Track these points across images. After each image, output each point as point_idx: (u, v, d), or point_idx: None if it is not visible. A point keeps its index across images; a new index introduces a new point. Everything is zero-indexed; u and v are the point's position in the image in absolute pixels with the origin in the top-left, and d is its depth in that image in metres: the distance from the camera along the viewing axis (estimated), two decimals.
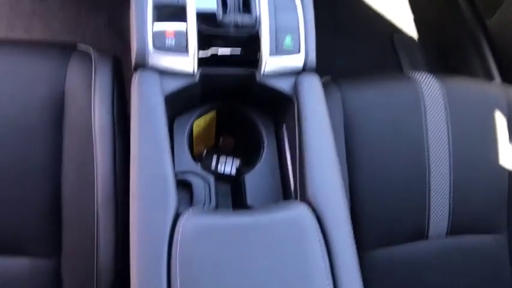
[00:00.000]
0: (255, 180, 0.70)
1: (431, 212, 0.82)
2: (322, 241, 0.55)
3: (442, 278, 0.84)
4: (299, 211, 0.57)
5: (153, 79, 0.63)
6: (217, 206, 0.68)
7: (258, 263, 0.53)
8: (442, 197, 0.82)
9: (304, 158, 0.62)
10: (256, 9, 0.65)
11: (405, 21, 1.71)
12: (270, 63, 0.65)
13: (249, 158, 0.78)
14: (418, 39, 1.63)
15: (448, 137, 0.84)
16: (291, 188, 0.67)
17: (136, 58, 0.63)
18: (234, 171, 0.76)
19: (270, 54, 0.65)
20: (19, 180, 0.71)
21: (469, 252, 0.85)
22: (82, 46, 0.80)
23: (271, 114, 0.74)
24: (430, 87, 0.86)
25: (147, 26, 0.63)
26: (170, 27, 0.63)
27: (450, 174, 0.83)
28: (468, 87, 0.91)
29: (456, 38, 1.36)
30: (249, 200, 0.68)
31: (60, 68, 0.75)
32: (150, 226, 0.54)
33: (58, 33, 1.46)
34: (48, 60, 0.76)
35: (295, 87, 0.67)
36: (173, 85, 0.65)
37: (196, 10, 0.63)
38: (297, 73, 0.68)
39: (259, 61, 0.66)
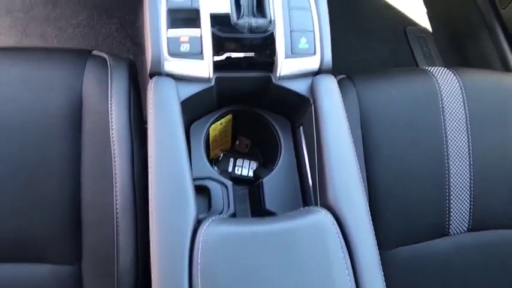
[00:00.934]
0: (273, 184, 0.69)
1: (452, 208, 0.81)
2: (345, 247, 0.55)
3: (464, 275, 0.83)
4: (320, 217, 0.56)
5: (169, 85, 0.63)
6: (235, 211, 0.68)
7: (280, 271, 0.52)
8: (462, 192, 0.81)
9: (324, 161, 0.61)
10: (270, 11, 0.64)
11: (418, 14, 1.69)
12: (286, 65, 0.65)
13: (265, 160, 0.78)
14: (432, 31, 1.61)
15: (467, 131, 0.82)
16: (310, 191, 0.67)
17: (151, 65, 0.63)
18: (251, 174, 0.76)
19: (285, 57, 0.64)
20: (39, 187, 0.72)
21: (491, 248, 0.83)
22: (97, 52, 0.80)
23: (288, 117, 0.74)
24: (446, 80, 0.85)
25: (161, 33, 0.63)
26: (184, 33, 0.63)
27: (470, 169, 0.81)
28: (486, 79, 0.90)
29: (471, 29, 1.34)
30: (268, 204, 0.68)
31: (77, 73, 0.75)
32: (170, 234, 0.54)
33: (72, 37, 1.48)
34: (65, 66, 0.76)
35: (312, 89, 0.66)
36: (189, 90, 0.65)
37: (210, 13, 0.63)
38: (313, 74, 0.67)
39: (275, 64, 0.65)
